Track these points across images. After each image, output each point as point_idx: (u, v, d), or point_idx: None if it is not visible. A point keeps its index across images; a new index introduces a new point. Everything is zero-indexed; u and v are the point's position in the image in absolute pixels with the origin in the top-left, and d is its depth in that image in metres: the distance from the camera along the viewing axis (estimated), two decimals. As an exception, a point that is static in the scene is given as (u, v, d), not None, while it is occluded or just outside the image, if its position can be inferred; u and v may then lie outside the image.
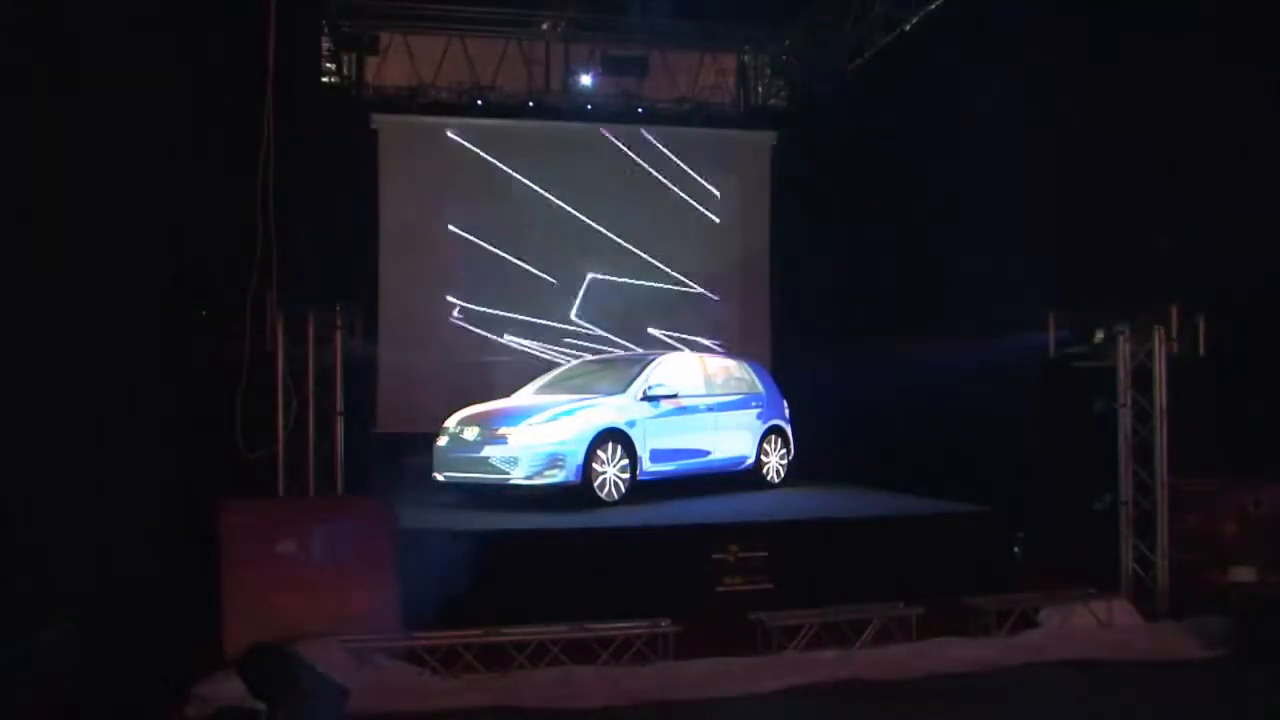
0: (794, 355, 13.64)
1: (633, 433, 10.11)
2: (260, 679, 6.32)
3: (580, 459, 9.64)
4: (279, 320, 7.90)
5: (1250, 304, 8.31)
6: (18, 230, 5.62)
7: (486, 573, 7.70)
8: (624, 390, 10.42)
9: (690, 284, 14.17)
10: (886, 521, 9.70)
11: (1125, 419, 8.50)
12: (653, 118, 14.08)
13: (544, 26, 13.60)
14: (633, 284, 14.00)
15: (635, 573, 8.19)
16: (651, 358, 11.06)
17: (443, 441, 10.26)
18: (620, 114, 14.02)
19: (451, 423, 10.34)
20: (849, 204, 12.92)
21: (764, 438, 11.64)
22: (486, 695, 6.66)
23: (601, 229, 13.88)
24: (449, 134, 13.61)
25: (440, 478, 10.19)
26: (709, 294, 14.26)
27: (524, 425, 9.75)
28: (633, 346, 13.39)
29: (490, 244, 13.56)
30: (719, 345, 13.81)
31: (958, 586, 8.28)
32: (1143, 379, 8.47)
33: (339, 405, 8.41)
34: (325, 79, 12.78)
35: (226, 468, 7.63)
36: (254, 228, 7.21)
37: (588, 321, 13.67)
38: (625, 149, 13.96)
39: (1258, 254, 8.24)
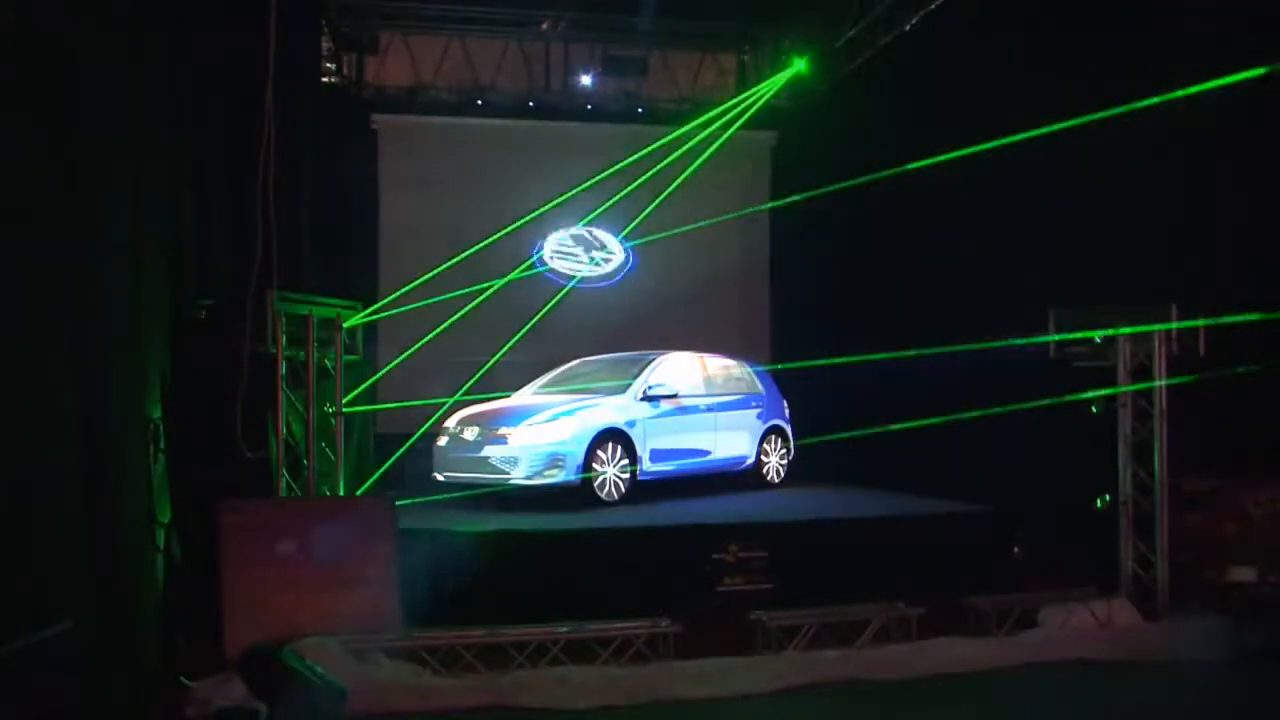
0: (794, 355, 13.62)
1: (633, 433, 10.12)
2: (260, 679, 6.34)
3: (580, 459, 9.64)
4: (279, 320, 7.90)
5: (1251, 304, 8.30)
6: (18, 230, 5.62)
7: (486, 573, 7.70)
8: (624, 390, 10.42)
9: (689, 284, 14.15)
10: (886, 521, 9.70)
11: (1125, 419, 8.50)
12: (653, 118, 14.08)
13: (544, 26, 13.59)
14: (633, 284, 14.01)
15: (635, 573, 8.19)
16: (651, 358, 11.06)
17: (443, 441, 10.26)
18: (620, 114, 14.02)
19: (451, 423, 10.34)
20: (849, 204, 12.90)
21: (764, 438, 11.64)
22: (486, 695, 6.67)
23: (601, 229, 13.89)
24: (449, 134, 13.60)
25: (440, 478, 10.19)
26: (708, 294, 14.25)
27: (524, 425, 9.75)
28: (633, 346, 13.38)
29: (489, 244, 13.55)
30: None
31: (958, 586, 8.28)
32: (1143, 379, 8.46)
33: (339, 405, 8.42)
34: (325, 79, 12.78)
35: (226, 468, 7.63)
36: (254, 228, 7.21)
37: (586, 321, 13.64)
38: (625, 149, 13.95)
39: (1258, 253, 8.25)
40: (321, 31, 12.29)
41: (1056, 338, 8.60)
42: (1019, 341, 8.80)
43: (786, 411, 12.12)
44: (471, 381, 11.54)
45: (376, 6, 12.94)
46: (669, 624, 7.39)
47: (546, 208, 13.74)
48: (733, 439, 11.29)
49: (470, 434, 9.99)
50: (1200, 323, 8.19)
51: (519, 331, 13.11)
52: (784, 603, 7.89)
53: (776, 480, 11.70)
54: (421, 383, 12.12)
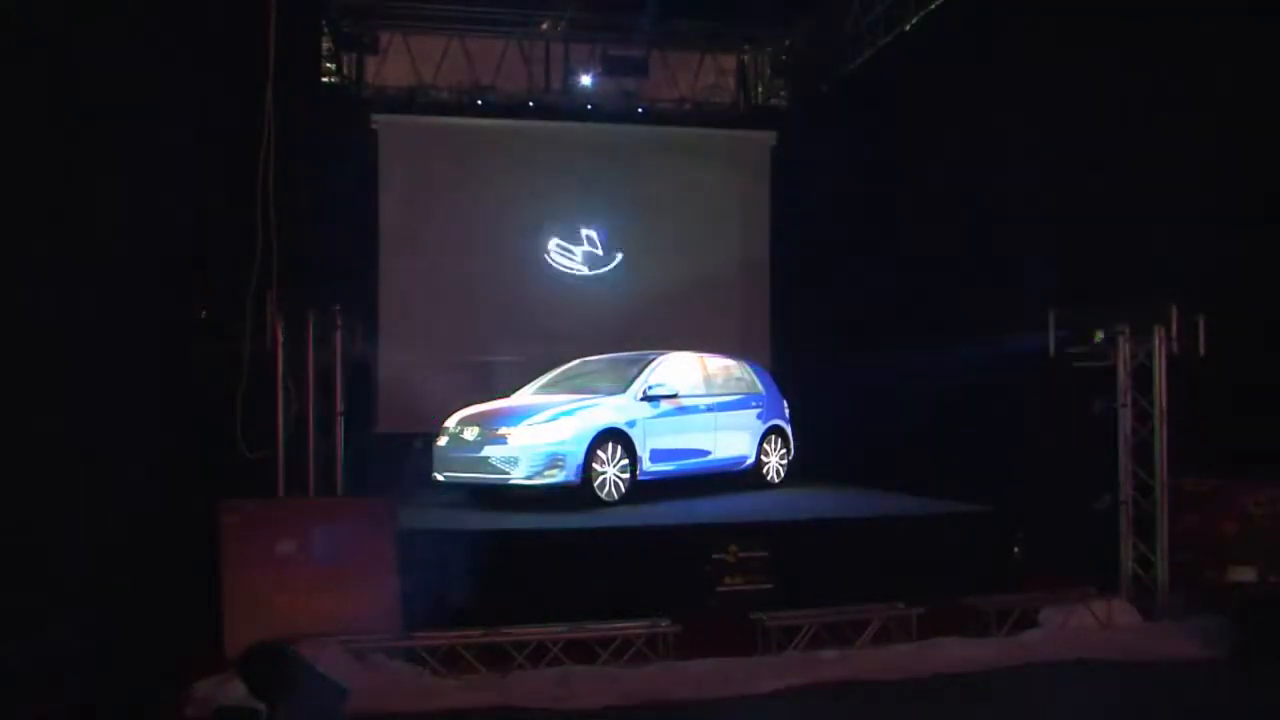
0: (794, 355, 13.63)
1: (633, 433, 10.11)
2: (260, 679, 6.31)
3: (580, 459, 9.64)
4: (279, 320, 7.89)
5: (1250, 303, 8.31)
6: (18, 230, 5.63)
7: (486, 573, 7.69)
8: (624, 390, 10.42)
9: (689, 284, 14.15)
10: (886, 521, 9.69)
11: (1125, 419, 8.50)
12: (653, 118, 14.09)
13: (544, 26, 13.60)
14: (633, 284, 14.01)
15: (635, 573, 8.19)
16: (651, 357, 11.05)
17: (443, 441, 10.26)
18: (620, 114, 14.03)
19: (451, 423, 10.34)
20: (849, 204, 12.92)
21: (764, 438, 11.64)
22: (486, 695, 6.66)
23: (600, 229, 13.91)
24: (449, 134, 13.61)
25: (440, 478, 10.19)
26: (708, 294, 14.25)
27: (524, 425, 9.75)
28: (632, 346, 13.39)
29: (489, 243, 13.57)
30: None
31: (958, 586, 8.28)
32: (1143, 379, 8.47)
33: (339, 405, 8.41)
34: (325, 79, 12.79)
35: (226, 468, 7.63)
36: (254, 228, 7.21)
37: (586, 322, 13.65)
38: (625, 149, 13.97)
39: (1257, 252, 8.26)
40: (321, 31, 12.30)
41: (1056, 338, 8.61)
42: (1018, 342, 8.82)
43: (786, 411, 12.12)
44: (471, 382, 11.57)
45: (376, 6, 12.96)
46: (669, 624, 7.38)
47: (546, 208, 13.79)
48: (733, 439, 11.29)
49: (470, 434, 9.99)
50: (1200, 322, 8.19)
51: (519, 331, 13.14)
52: (784, 603, 7.89)
53: (776, 480, 11.70)
54: (422, 383, 12.15)
